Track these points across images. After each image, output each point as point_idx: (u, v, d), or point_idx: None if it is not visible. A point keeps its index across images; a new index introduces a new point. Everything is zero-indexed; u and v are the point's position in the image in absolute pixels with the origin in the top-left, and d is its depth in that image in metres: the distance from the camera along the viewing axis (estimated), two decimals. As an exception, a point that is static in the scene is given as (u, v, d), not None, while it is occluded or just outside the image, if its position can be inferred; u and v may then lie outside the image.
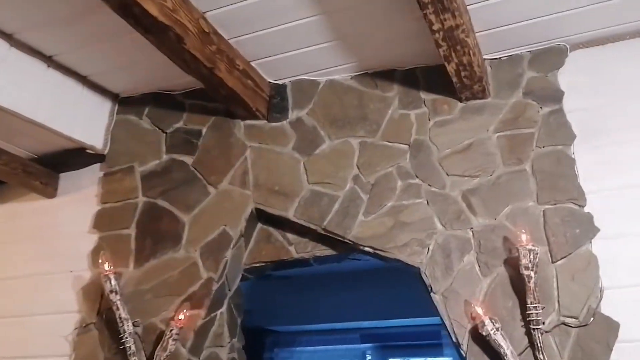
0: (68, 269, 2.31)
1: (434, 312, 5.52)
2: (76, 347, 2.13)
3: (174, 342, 1.91)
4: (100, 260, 2.06)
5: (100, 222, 2.33)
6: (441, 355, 5.42)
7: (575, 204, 1.82)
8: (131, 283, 2.14)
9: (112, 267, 2.03)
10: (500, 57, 2.07)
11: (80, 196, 2.41)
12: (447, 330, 1.84)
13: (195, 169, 2.28)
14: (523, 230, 1.75)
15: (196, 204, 2.22)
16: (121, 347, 1.97)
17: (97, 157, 2.40)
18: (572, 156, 1.88)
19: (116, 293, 1.99)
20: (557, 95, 1.96)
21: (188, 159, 2.30)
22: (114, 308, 1.99)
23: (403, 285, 4.98)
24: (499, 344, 1.67)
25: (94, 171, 2.42)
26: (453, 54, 1.82)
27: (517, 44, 2.02)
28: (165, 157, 2.34)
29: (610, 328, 1.66)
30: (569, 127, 1.91)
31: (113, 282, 2.00)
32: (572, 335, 1.69)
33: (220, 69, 1.94)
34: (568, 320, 1.71)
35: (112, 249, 2.15)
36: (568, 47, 2.00)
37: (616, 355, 1.64)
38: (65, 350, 2.17)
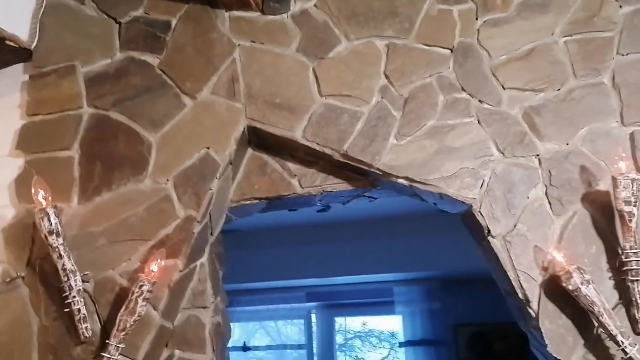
0: (-20, 205, 1.67)
1: (386, 269, 5.24)
2: (-2, 309, 1.52)
3: (144, 303, 1.37)
4: (32, 190, 1.44)
5: (27, 141, 1.69)
6: (392, 313, 5.19)
7: (671, 123, 1.46)
8: (75, 223, 1.55)
9: (49, 199, 1.43)
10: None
11: (-4, 106, 1.75)
12: (511, 283, 1.43)
13: (163, 72, 1.69)
14: (623, 155, 1.35)
15: (166, 119, 1.65)
16: (66, 309, 1.40)
17: (21, 53, 1.73)
18: (664, 66, 1.51)
19: (58, 235, 1.40)
20: (644, -10, 1.57)
21: (152, 59, 1.71)
22: (55, 256, 1.41)
23: (352, 240, 4.68)
24: (592, 301, 1.29)
25: (16, 73, 1.76)
26: None
27: None
28: (119, 55, 1.73)
29: None
30: (659, 30, 1.54)
31: (53, 219, 1.40)
32: (674, 289, 1.34)
33: None
34: (668, 269, 1.35)
35: (45, 178, 1.53)
36: None
37: None
38: (-22, 315, 1.56)
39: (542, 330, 1.36)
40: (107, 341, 1.37)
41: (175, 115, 1.65)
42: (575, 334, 1.35)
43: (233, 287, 4.85)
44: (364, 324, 6.12)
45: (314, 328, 5.64)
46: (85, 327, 1.40)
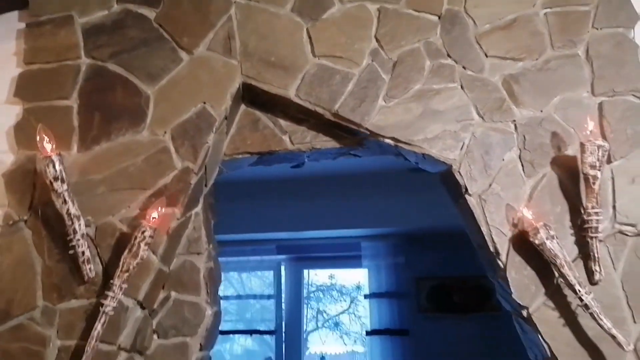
0: (-21, 151, 1.71)
1: (354, 224, 5.39)
2: (1, 250, 1.58)
3: (146, 247, 1.46)
4: (37, 138, 1.48)
5: (25, 89, 1.72)
6: (359, 267, 5.39)
7: (637, 96, 1.59)
8: (75, 171, 1.61)
9: (54, 147, 1.48)
10: None
11: (-9, 53, 1.76)
12: (483, 237, 1.56)
13: (161, 26, 1.73)
14: (591, 122, 1.48)
15: (163, 72, 1.70)
16: (70, 252, 1.48)
17: (16, 0, 1.73)
18: (635, 40, 1.63)
19: (62, 181, 1.46)
20: (619, -32, 1.67)
21: (149, 12, 1.75)
22: (59, 202, 1.47)
23: (323, 196, 4.80)
24: (555, 254, 1.44)
25: (11, 20, 1.76)
26: None
27: None
28: (116, 6, 1.75)
29: (673, 237, 1.49)
30: (632, 7, 1.66)
31: (58, 166, 1.46)
32: (629, 245, 1.51)
33: None
34: (625, 228, 1.52)
35: (45, 126, 1.56)
36: None
37: (678, 266, 1.48)
38: (-18, 255, 1.62)
39: (509, 280, 1.51)
40: (111, 281, 1.45)
41: (172, 69, 1.70)
42: (537, 283, 1.50)
43: (205, 238, 4.96)
44: (330, 277, 6.33)
45: (283, 280, 5.80)
46: (89, 268, 1.48)
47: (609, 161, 1.55)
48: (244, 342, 5.79)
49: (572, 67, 1.64)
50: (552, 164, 1.58)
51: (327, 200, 4.88)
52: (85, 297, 1.51)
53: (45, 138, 1.47)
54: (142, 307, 1.55)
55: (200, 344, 1.63)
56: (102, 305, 1.44)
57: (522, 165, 1.60)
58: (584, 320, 1.44)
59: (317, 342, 6.33)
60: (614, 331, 1.36)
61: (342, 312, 6.38)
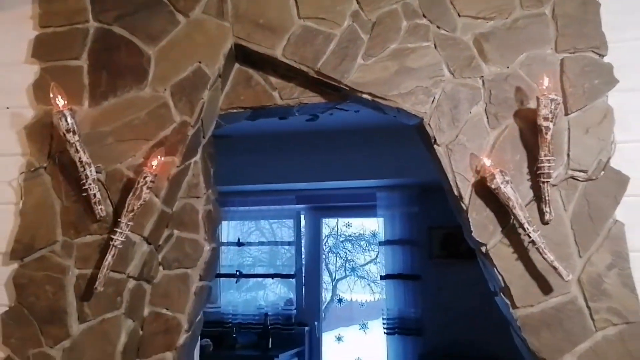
0: (4, 106, 1.93)
1: (370, 175, 5.55)
2: (25, 193, 1.83)
3: (148, 191, 1.68)
4: (51, 95, 1.70)
5: (41, 50, 1.92)
6: (374, 216, 5.60)
7: (596, 52, 1.69)
8: (87, 123, 1.82)
9: (65, 103, 1.69)
10: None
11: (10, 17, 1.96)
12: (449, 183, 1.73)
13: (159, -10, 1.89)
14: (547, 78, 1.61)
15: (162, 34, 1.87)
16: (83, 194, 1.71)
17: (30, -31, 1.92)
18: (598, 0, 1.72)
19: (74, 133, 1.68)
20: None
21: (149, -22, 1.90)
22: (72, 151, 1.69)
23: (339, 148, 4.97)
24: (508, 197, 1.60)
25: (26, -14, 1.96)
26: None
27: None
28: (119, -27, 1.92)
29: (620, 182, 1.63)
30: (597, -32, 1.74)
31: (69, 119, 1.67)
32: (579, 189, 1.65)
33: None
34: (577, 174, 1.65)
35: (59, 84, 1.77)
36: None
37: (622, 209, 1.62)
38: (9, 196, 1.87)
39: (470, 220, 1.68)
40: (118, 220, 1.69)
41: (171, 31, 1.87)
42: (495, 223, 1.66)
43: (228, 188, 5.23)
44: (347, 225, 6.56)
45: (303, 228, 6.06)
46: (100, 209, 1.71)
47: (566, 113, 1.69)
48: (276, 289, 6.12)
49: (538, 25, 1.75)
50: (514, 116, 1.71)
51: (344, 152, 5.06)
52: (98, 233, 1.75)
53: (58, 95, 1.68)
54: (148, 243, 1.78)
55: (200, 275, 1.87)
56: (112, 240, 1.67)
57: (487, 118, 1.74)
58: (534, 255, 1.61)
59: (346, 289, 6.62)
60: (555, 263, 1.53)
61: (370, 262, 6.64)
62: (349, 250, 6.70)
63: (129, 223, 1.68)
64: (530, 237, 1.56)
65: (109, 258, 1.65)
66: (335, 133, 4.99)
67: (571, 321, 1.57)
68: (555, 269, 1.53)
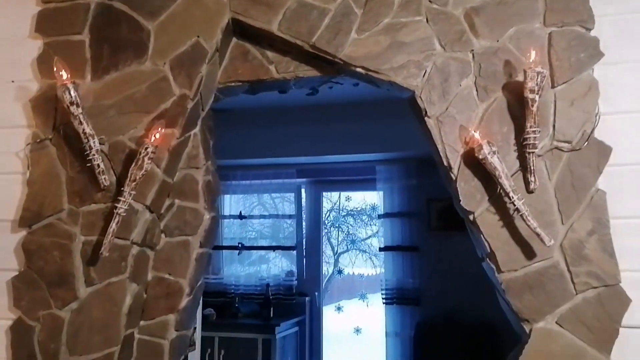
0: (9, 79, 2.00)
1: (369, 149, 5.59)
2: (32, 163, 1.90)
3: (149, 161, 1.75)
4: (54, 69, 1.76)
5: (44, 25, 1.97)
6: (374, 189, 5.67)
7: (583, 26, 1.74)
8: (90, 96, 1.88)
9: (69, 76, 1.75)
10: None
11: (12, -8, 2.01)
12: (439, 154, 1.80)
13: (158, -34, 1.94)
14: (534, 52, 1.66)
15: (161, 9, 1.92)
16: (87, 165, 1.78)
17: (32, -56, 1.96)
18: (586, -27, 1.77)
19: (78, 105, 1.74)
20: None
21: (148, -47, 1.94)
22: (76, 123, 1.76)
23: (339, 122, 5.02)
24: (495, 167, 1.66)
25: (27, -38, 2.00)
26: None
27: None
28: (119, -51, 1.96)
29: (602, 152, 1.69)
30: (585, -59, 1.77)
31: (73, 92, 1.73)
32: (563, 160, 1.71)
33: None
34: (561, 144, 1.72)
35: (62, 58, 1.83)
36: None
37: (604, 178, 1.69)
38: (16, 167, 1.95)
39: (458, 190, 1.75)
40: (121, 189, 1.76)
41: (170, 6, 1.91)
42: (482, 192, 1.73)
43: (230, 162, 5.31)
44: (348, 199, 6.64)
45: (304, 201, 6.15)
46: (104, 178, 1.78)
47: (553, 86, 1.74)
48: (278, 263, 6.23)
49: (527, 0, 1.79)
50: (503, 89, 1.77)
51: (344, 126, 5.11)
52: (102, 201, 1.82)
53: (62, 69, 1.74)
54: (151, 211, 1.86)
55: (200, 242, 1.95)
56: (116, 208, 1.75)
57: (477, 91, 1.79)
58: (519, 222, 1.68)
59: (347, 263, 6.73)
60: (538, 230, 1.60)
61: (371, 236, 6.74)
62: (350, 225, 6.79)
63: (131, 192, 1.75)
64: (515, 205, 1.63)
65: (113, 225, 1.73)
66: (335, 107, 5.03)
67: (553, 284, 1.65)
68: (538, 235, 1.61)
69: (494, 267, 1.72)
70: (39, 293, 1.82)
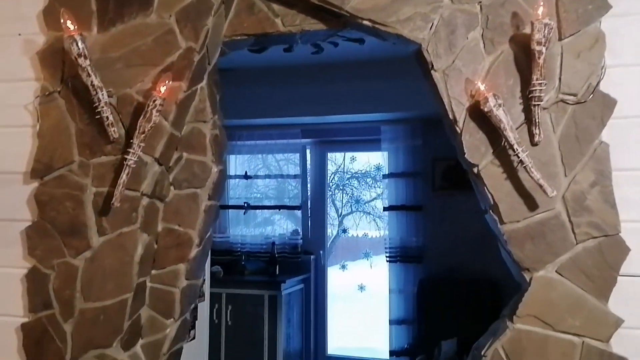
0: (15, 33, 2.00)
1: (374, 109, 5.59)
2: (41, 116, 1.92)
3: (157, 114, 1.77)
4: (61, 20, 1.76)
5: (49, -24, 1.97)
6: (379, 150, 5.69)
7: (591, -22, 1.73)
8: (97, 49, 1.89)
9: (76, 28, 1.76)
10: None
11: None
12: (445, 107, 1.81)
13: None
14: (541, 3, 1.65)
15: (166, -40, 1.91)
16: (96, 117, 1.80)
17: None
18: None
19: (85, 57, 1.75)
20: None
21: None
22: (84, 75, 1.77)
23: (344, 81, 5.01)
24: (500, 119, 1.67)
25: None
26: None
27: None
28: None
29: (607, 105, 1.70)
30: None
31: (80, 44, 1.74)
32: (568, 112, 1.72)
33: None
34: (567, 97, 1.72)
35: (68, 10, 1.82)
36: None
37: (607, 130, 1.70)
38: (26, 120, 1.97)
39: (463, 143, 1.76)
40: (131, 141, 1.79)
41: (175, -43, 1.90)
42: (487, 145, 1.74)
43: (235, 122, 5.32)
44: (352, 159, 6.66)
45: (308, 163, 6.18)
46: (114, 131, 1.80)
47: (560, 38, 1.74)
48: (283, 224, 6.31)
49: (537, -51, 1.77)
50: (510, 41, 1.76)
51: (349, 85, 5.10)
52: (112, 153, 1.85)
53: (69, 21, 1.75)
54: (159, 164, 1.89)
55: (209, 195, 1.99)
56: (125, 160, 1.78)
57: (484, 43, 1.78)
58: (522, 174, 1.70)
59: (352, 225, 6.80)
60: (541, 181, 1.63)
61: (376, 198, 6.78)
62: (355, 187, 6.83)
63: (140, 144, 1.77)
64: (519, 157, 1.65)
65: (123, 176, 1.76)
66: (340, 66, 5.01)
67: (554, 234, 1.69)
68: (541, 186, 1.63)
69: (497, 219, 1.75)
70: (53, 242, 1.87)
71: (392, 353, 5.24)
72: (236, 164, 6.08)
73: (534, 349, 1.68)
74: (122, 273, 1.83)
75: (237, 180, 6.04)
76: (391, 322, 5.27)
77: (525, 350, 1.68)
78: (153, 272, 1.93)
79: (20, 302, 1.93)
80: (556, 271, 1.69)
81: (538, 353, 1.68)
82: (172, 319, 1.92)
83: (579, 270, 1.67)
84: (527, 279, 1.71)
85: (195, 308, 2.39)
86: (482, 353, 1.72)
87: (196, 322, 2.46)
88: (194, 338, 2.44)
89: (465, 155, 1.77)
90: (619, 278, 1.65)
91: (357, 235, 6.80)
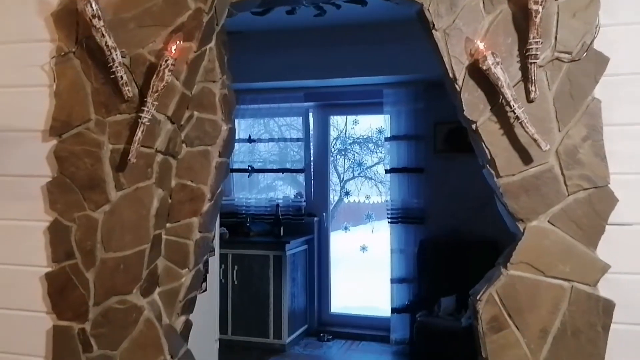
0: (29, -6, 2.07)
1: (377, 72, 5.62)
2: (58, 76, 2.00)
3: (169, 73, 1.84)
4: (76, -20, 1.83)
5: (60, -60, 2.02)
6: (381, 113, 5.74)
7: (588, -64, 1.77)
8: (109, 10, 1.95)
9: (89, -11, 1.82)
10: None
11: None
12: (445, 66, 1.87)
13: None
14: (540, -36, 1.70)
15: None
16: (111, 76, 1.88)
17: None
18: None
19: (99, 18, 1.82)
20: None
21: None
22: (98, 36, 1.84)
23: (346, 44, 5.03)
24: (498, 77, 1.74)
25: None
26: None
27: None
28: None
29: (600, 62, 1.77)
30: None
31: (94, 5, 1.80)
32: (563, 70, 1.79)
33: None
34: (562, 55, 1.79)
35: (80, -28, 1.89)
36: None
37: (600, 87, 1.77)
38: (43, 79, 2.05)
39: (462, 100, 1.83)
40: (144, 100, 1.87)
41: None
42: (485, 102, 1.82)
43: (238, 86, 5.35)
44: (355, 122, 6.71)
45: (311, 125, 6.24)
46: (128, 90, 1.89)
47: (557, -2, 1.80)
48: (286, 190, 6.41)
49: None
50: (508, 1, 1.82)
51: (351, 49, 5.12)
52: (127, 112, 1.94)
53: (82, -18, 1.81)
54: (172, 122, 1.97)
55: (219, 152, 2.08)
56: (140, 117, 1.86)
57: (483, 3, 1.84)
58: (518, 130, 1.78)
59: (354, 190, 6.90)
60: (536, 136, 1.71)
61: (378, 163, 6.86)
62: (356, 152, 6.91)
63: (154, 103, 1.86)
64: (515, 113, 1.73)
65: (138, 134, 1.85)
66: (343, 29, 5.02)
67: (547, 187, 1.79)
68: (535, 140, 1.72)
69: (494, 173, 1.84)
70: (73, 196, 1.97)
71: (393, 310, 5.42)
72: (240, 128, 6.16)
73: (527, 293, 1.80)
74: (140, 225, 1.94)
75: (241, 144, 6.12)
76: (392, 281, 5.43)
77: (518, 294, 1.80)
78: (168, 225, 2.04)
79: (44, 253, 2.05)
80: (548, 221, 1.79)
81: (530, 297, 1.79)
82: (187, 269, 2.04)
83: (570, 220, 1.77)
84: (521, 229, 1.81)
85: (207, 262, 2.51)
86: (478, 297, 1.84)
87: (207, 275, 2.59)
88: (205, 290, 2.58)
89: (465, 112, 1.85)
90: (607, 227, 1.75)
91: (359, 200, 6.91)
